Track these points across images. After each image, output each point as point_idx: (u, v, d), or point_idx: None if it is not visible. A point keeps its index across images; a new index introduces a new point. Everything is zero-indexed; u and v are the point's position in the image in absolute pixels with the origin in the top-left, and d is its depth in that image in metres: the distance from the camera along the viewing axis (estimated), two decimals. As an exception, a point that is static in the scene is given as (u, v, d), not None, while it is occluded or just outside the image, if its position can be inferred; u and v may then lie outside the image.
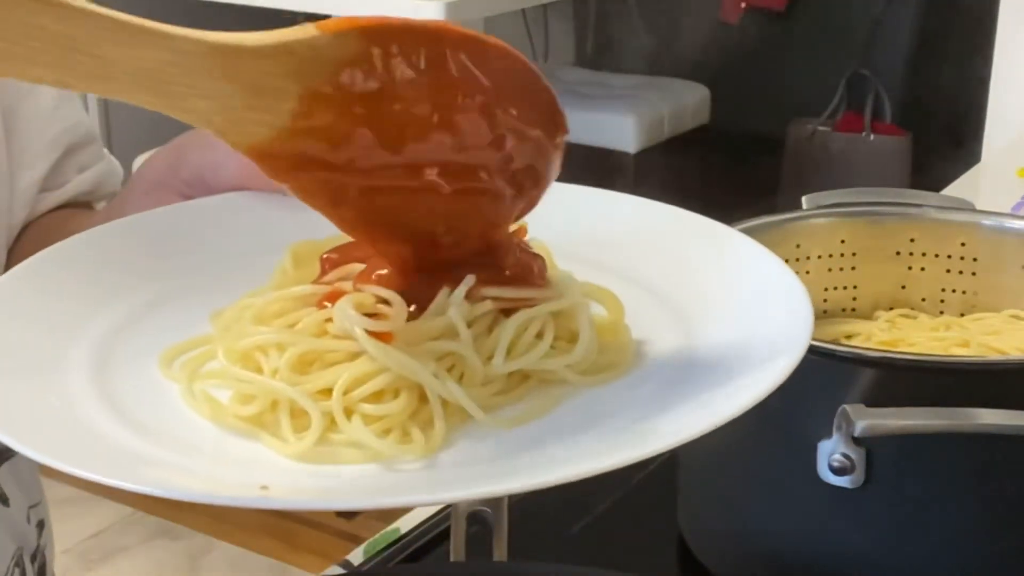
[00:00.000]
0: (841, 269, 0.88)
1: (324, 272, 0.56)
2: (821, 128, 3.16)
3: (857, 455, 0.69)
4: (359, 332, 0.50)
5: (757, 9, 3.30)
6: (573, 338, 0.54)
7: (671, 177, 3.01)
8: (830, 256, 0.88)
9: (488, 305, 0.53)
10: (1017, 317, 0.85)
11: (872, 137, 3.13)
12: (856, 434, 0.68)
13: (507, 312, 0.53)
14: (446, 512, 0.87)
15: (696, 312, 0.57)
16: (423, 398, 0.50)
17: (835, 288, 0.89)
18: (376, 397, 0.50)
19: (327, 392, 0.50)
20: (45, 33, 0.42)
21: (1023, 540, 0.72)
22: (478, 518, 0.67)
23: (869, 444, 0.69)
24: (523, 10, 3.38)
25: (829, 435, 0.70)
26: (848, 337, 0.86)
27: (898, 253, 0.88)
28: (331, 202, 0.51)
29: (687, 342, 0.55)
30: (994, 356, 0.80)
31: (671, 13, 3.45)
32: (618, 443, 0.48)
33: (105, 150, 0.88)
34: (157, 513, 2.70)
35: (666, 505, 0.84)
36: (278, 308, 0.54)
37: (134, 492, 0.44)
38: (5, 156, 0.80)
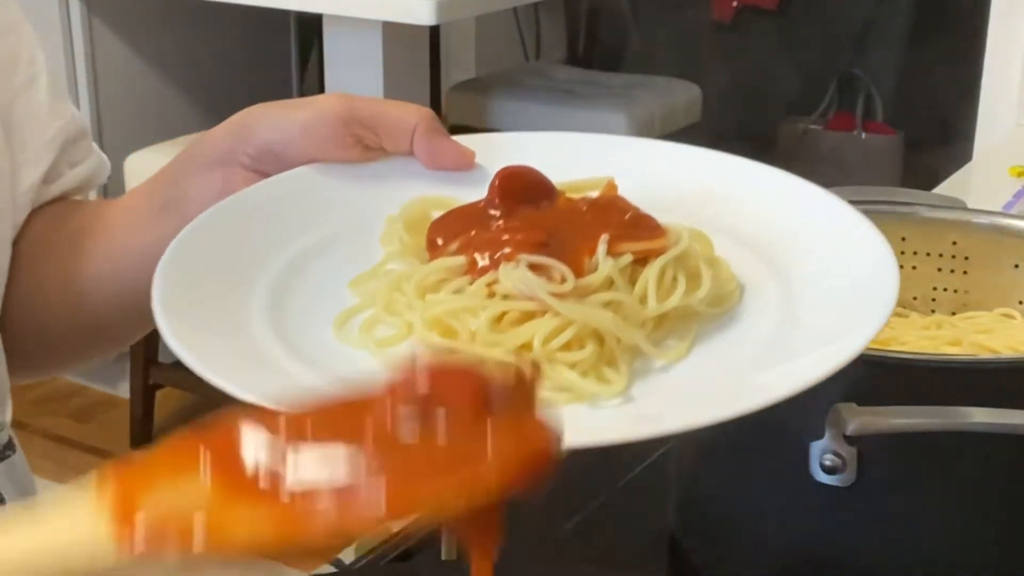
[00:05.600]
0: (832, 268, 0.88)
1: (437, 245, 0.62)
2: (812, 127, 3.17)
3: (849, 454, 0.69)
4: (545, 294, 0.56)
5: (749, 8, 3.30)
6: (694, 276, 0.60)
7: (663, 176, 3.01)
8: (821, 255, 0.88)
9: (628, 257, 0.59)
10: (1008, 316, 0.85)
11: (863, 136, 3.14)
12: (848, 433, 0.68)
13: (637, 261, 0.60)
14: (437, 511, 0.87)
15: (778, 253, 0.64)
16: (600, 344, 0.57)
17: (826, 287, 0.89)
18: (567, 347, 0.56)
19: (524, 347, 0.56)
20: None
21: (1015, 538, 0.72)
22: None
23: (861, 443, 0.69)
24: (514, 9, 3.39)
25: (821, 434, 0.70)
26: (839, 336, 0.86)
27: (889, 252, 0.88)
28: None
29: (778, 277, 0.62)
30: (986, 355, 0.80)
31: (663, 11, 3.45)
32: (768, 376, 0.55)
33: (94, 144, 0.88)
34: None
35: (658, 504, 0.84)
36: (437, 278, 0.60)
37: None
38: (7, 154, 0.80)
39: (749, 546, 0.77)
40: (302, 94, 3.33)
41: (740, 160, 0.70)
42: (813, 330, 0.57)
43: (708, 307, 0.60)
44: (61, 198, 0.86)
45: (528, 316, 0.57)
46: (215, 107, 3.05)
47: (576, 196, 0.64)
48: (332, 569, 0.83)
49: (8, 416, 0.83)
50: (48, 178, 0.84)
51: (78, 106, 2.87)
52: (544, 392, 0.50)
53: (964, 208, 0.88)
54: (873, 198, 0.89)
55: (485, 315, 0.57)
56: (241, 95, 3.14)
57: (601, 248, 0.59)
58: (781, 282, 0.62)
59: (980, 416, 0.67)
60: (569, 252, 0.59)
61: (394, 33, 2.51)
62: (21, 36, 0.83)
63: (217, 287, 0.61)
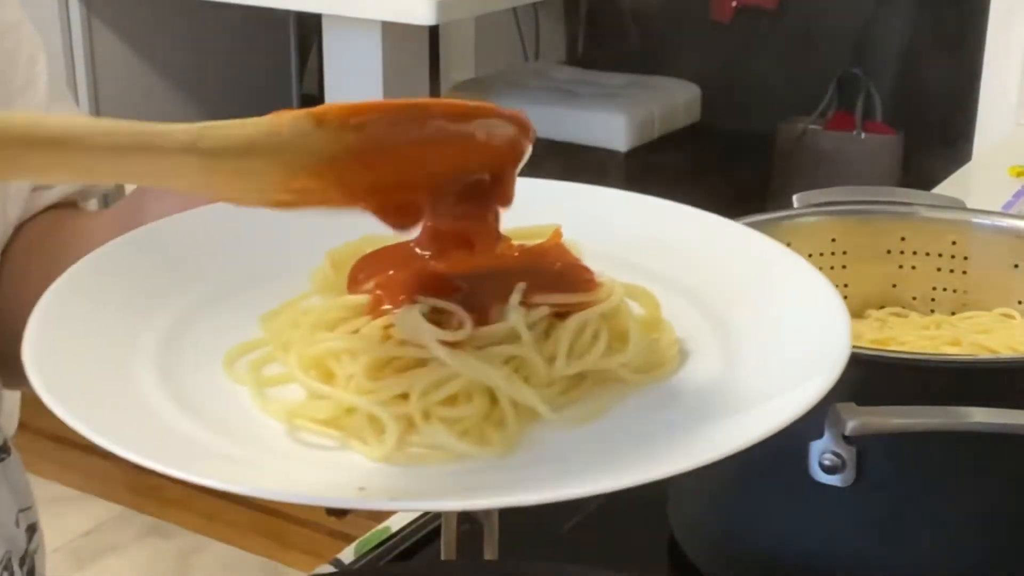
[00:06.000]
0: (832, 268, 0.88)
1: (357, 281, 0.58)
2: (812, 127, 3.17)
3: (848, 454, 0.69)
4: (431, 341, 0.52)
5: (748, 8, 3.30)
6: (622, 336, 0.55)
7: (662, 176, 3.02)
8: (821, 255, 0.88)
9: (544, 310, 0.54)
10: (1008, 316, 0.85)
11: (863, 136, 3.13)
12: (847, 433, 0.68)
13: (559, 315, 0.55)
14: (437, 511, 0.87)
15: (731, 315, 0.59)
16: (493, 401, 0.52)
17: (826, 287, 0.89)
18: (450, 401, 0.52)
19: (402, 397, 0.52)
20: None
21: (1013, 539, 0.72)
22: (469, 517, 0.67)
23: (860, 443, 0.69)
24: (514, 9, 3.38)
25: (820, 434, 0.70)
26: (839, 336, 0.86)
27: (889, 252, 0.88)
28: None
29: (725, 342, 0.58)
30: (985, 355, 0.80)
31: (663, 11, 3.45)
32: (678, 446, 0.51)
33: None
34: (148, 512, 2.70)
35: (657, 504, 0.84)
36: (337, 316, 0.56)
37: (222, 490, 0.45)
38: None
39: (748, 546, 0.77)
40: (301, 94, 3.34)
41: (699, 212, 0.66)
42: (742, 404, 0.53)
43: (634, 372, 0.55)
44: (63, 204, 0.85)
45: (420, 364, 0.52)
46: (215, 107, 3.05)
47: (518, 243, 0.59)
48: (332, 569, 0.83)
49: (13, 425, 0.83)
50: (42, 183, 0.83)
51: (78, 106, 2.88)
52: (418, 448, 0.51)
53: (964, 208, 0.88)
54: (873, 198, 0.89)
55: (364, 359, 0.52)
56: (241, 95, 3.15)
57: (513, 297, 0.54)
58: (724, 346, 0.57)
59: (980, 416, 0.67)
60: (484, 300, 0.54)
61: (394, 33, 2.51)
62: (21, 37, 0.82)
63: (109, 319, 0.57)
